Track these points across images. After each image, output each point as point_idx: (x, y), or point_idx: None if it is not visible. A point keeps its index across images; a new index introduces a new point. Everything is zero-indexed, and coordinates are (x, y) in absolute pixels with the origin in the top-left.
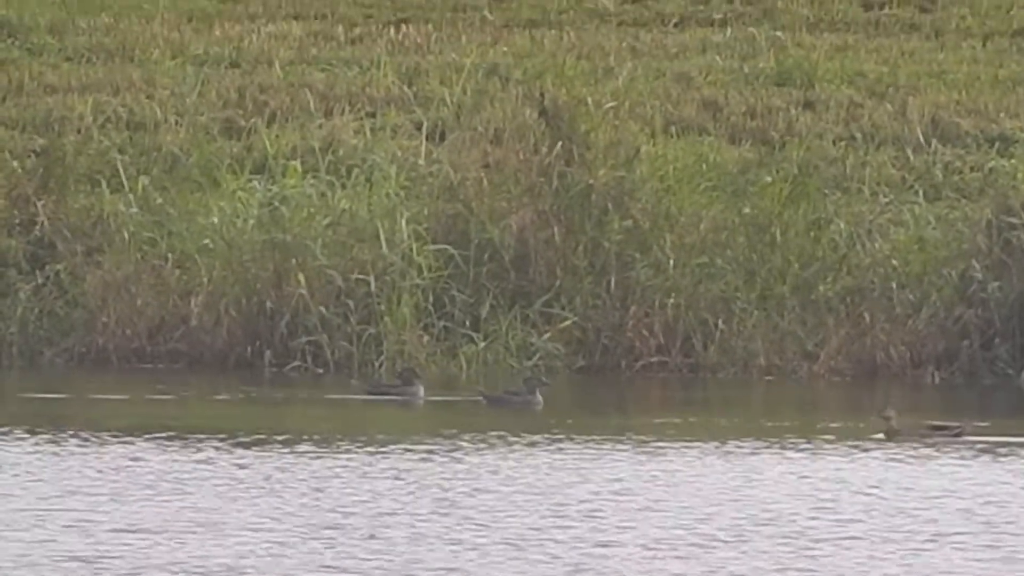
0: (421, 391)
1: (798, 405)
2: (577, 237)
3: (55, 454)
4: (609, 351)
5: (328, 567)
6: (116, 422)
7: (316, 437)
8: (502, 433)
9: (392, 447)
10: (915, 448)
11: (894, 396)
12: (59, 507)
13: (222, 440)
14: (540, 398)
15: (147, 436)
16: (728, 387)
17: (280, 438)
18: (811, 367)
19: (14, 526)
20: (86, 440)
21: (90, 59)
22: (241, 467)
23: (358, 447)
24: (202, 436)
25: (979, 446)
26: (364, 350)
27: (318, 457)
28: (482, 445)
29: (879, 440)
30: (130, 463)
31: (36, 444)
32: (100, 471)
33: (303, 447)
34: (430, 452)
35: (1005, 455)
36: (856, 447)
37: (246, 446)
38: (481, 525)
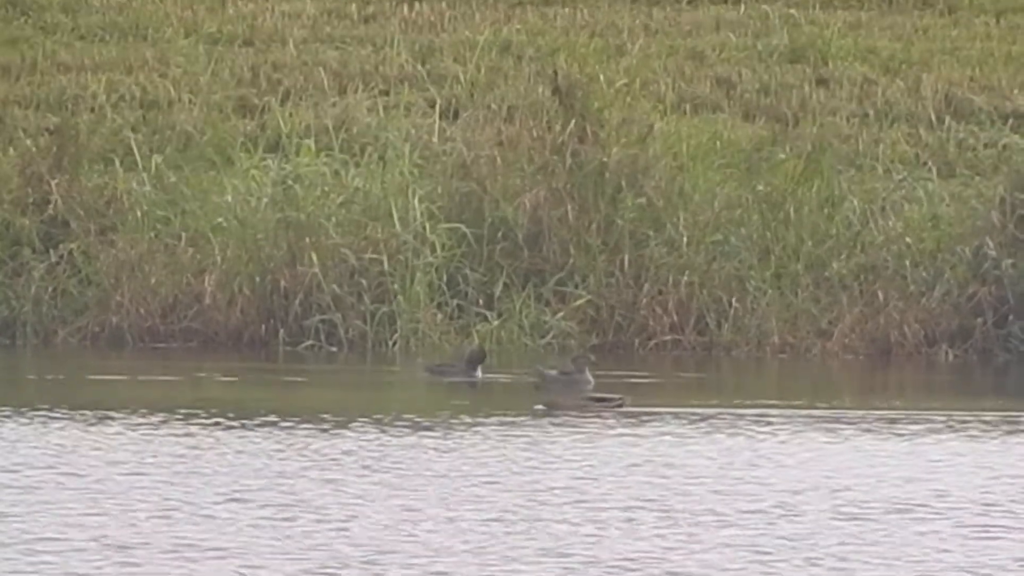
0: (479, 372)
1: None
2: (590, 215)
3: (69, 433)
4: (623, 329)
5: (367, 547)
6: (130, 402)
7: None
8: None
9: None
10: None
11: (907, 374)
12: (73, 486)
13: (245, 419)
14: (591, 377)
15: (161, 415)
16: (741, 365)
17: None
18: (825, 345)
19: (28, 506)
20: (100, 420)
21: (103, 38)
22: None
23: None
24: (218, 415)
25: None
26: (378, 329)
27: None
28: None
29: (545, 412)
30: (144, 443)
31: (49, 423)
32: (113, 450)
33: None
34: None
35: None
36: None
37: (273, 425)
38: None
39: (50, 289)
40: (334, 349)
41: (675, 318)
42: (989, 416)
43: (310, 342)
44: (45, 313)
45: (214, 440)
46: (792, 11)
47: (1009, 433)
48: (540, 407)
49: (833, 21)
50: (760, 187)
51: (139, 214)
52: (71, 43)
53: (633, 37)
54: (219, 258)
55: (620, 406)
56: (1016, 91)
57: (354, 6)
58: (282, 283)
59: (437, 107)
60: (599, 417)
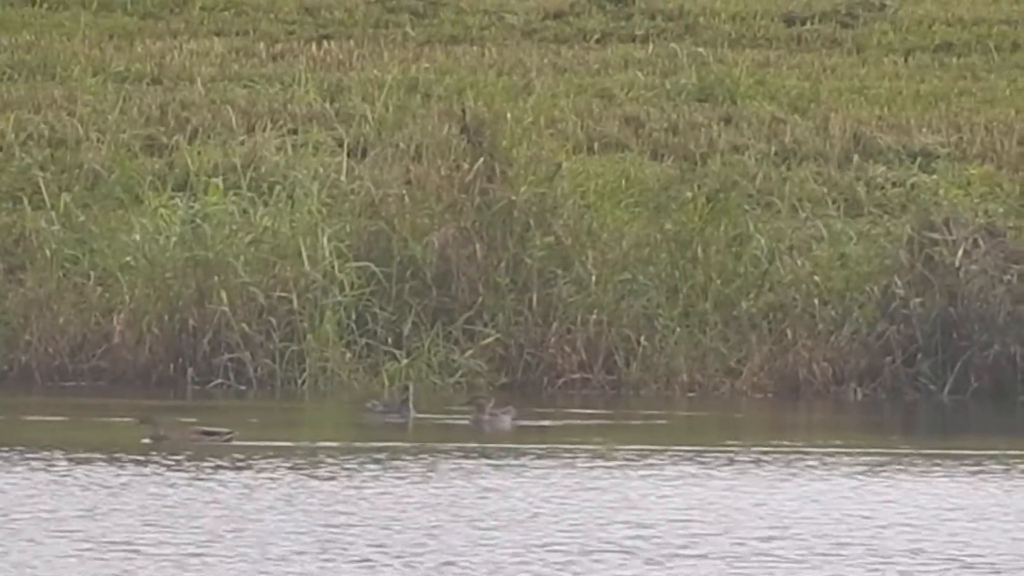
0: (412, 411)
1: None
2: (499, 254)
3: None
4: (531, 368)
5: None
6: (39, 441)
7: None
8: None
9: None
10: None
11: (815, 413)
12: None
13: (150, 460)
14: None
15: (71, 455)
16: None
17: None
18: (733, 384)
19: None
20: (8, 459)
21: (11, 76)
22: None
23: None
24: (125, 455)
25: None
26: (287, 367)
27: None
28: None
29: (153, 446)
30: (54, 482)
31: None
32: (27, 492)
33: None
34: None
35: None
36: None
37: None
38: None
39: None
40: (243, 387)
41: (584, 356)
42: (899, 454)
43: (219, 380)
44: None
45: (125, 479)
46: (700, 50)
47: (911, 471)
48: (147, 441)
49: (741, 60)
50: (668, 226)
51: (47, 253)
52: None
53: (541, 76)
54: (128, 297)
55: (230, 440)
56: (924, 130)
57: (262, 44)
58: (191, 322)
59: (345, 146)
60: (208, 449)
